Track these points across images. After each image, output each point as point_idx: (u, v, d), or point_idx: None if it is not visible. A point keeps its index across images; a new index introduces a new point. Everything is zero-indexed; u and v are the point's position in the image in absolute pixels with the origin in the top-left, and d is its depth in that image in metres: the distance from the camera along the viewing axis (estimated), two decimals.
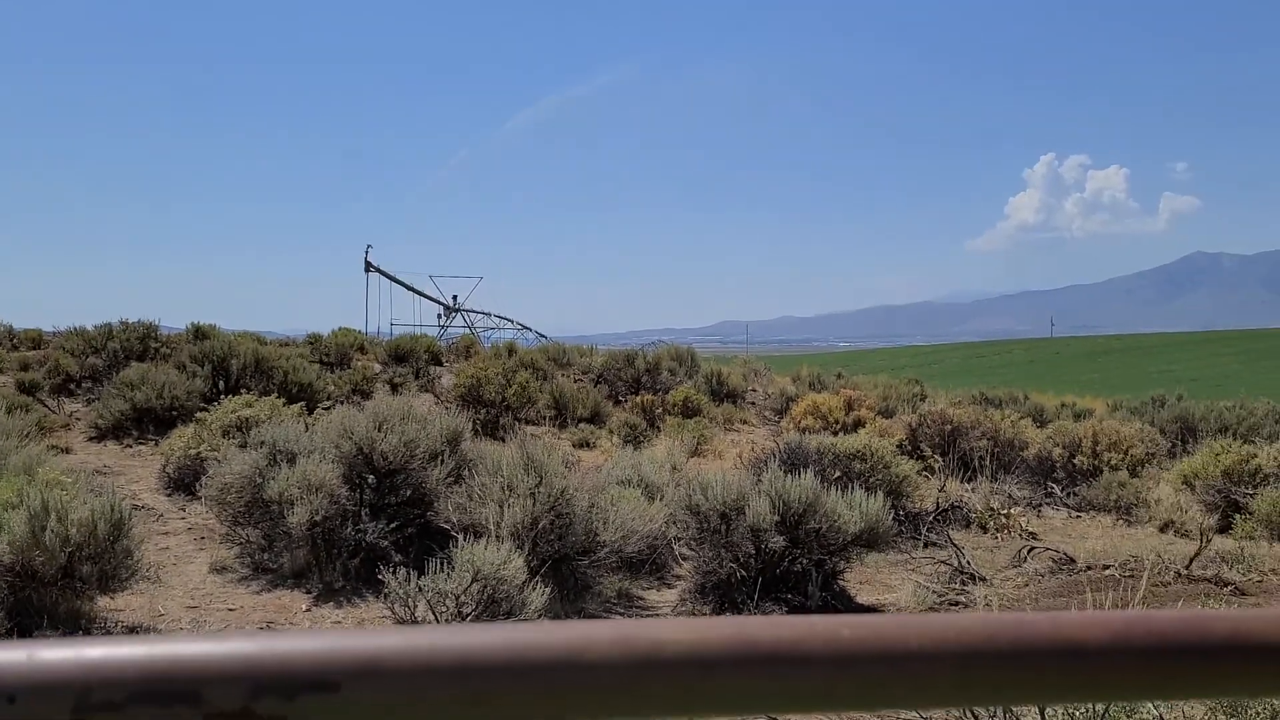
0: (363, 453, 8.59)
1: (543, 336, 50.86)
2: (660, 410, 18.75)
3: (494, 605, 7.04)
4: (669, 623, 0.74)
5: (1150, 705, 3.95)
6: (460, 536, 7.46)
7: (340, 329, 24.05)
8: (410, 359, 21.90)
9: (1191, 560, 10.23)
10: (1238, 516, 12.52)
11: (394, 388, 18.51)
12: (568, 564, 8.25)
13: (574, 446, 15.78)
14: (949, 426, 16.70)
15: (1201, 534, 11.70)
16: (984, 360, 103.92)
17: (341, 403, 13.83)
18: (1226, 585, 9.76)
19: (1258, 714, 4.12)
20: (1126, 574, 10.00)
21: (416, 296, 58.01)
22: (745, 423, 21.06)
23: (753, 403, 23.68)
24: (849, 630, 0.73)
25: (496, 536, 7.61)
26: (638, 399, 19.59)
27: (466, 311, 58.83)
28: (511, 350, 24.68)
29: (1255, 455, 13.98)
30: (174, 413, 14.17)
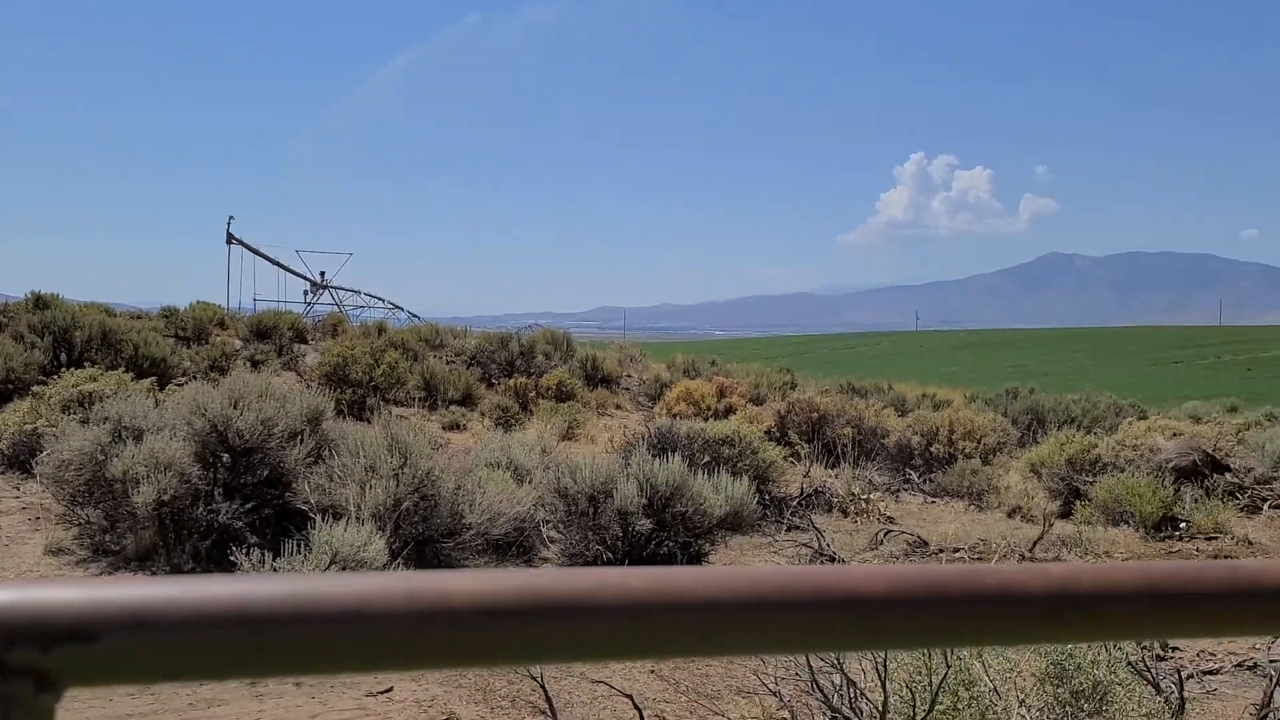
0: (217, 430, 8.26)
1: (415, 316, 49.92)
2: (534, 394, 18.68)
3: None
4: (459, 574, 0.73)
5: (981, 668, 4.15)
6: (319, 518, 7.27)
7: (198, 303, 23.07)
8: (273, 336, 21.18)
9: (1035, 544, 10.82)
10: (1078, 503, 13.27)
11: (255, 365, 17.85)
12: (432, 546, 8.14)
13: (443, 429, 15.56)
14: (816, 414, 17.18)
15: (1044, 519, 12.38)
16: (853, 351, 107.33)
17: (197, 379, 13.25)
18: None
19: (1080, 685, 4.38)
20: (975, 556, 10.51)
21: (282, 272, 56.07)
22: (619, 408, 21.17)
23: (627, 388, 23.82)
24: (639, 581, 0.73)
25: (357, 518, 7.44)
26: (511, 382, 19.47)
27: (335, 289, 57.24)
28: (381, 330, 24.13)
29: (1096, 445, 14.84)
30: (10, 386, 13.34)
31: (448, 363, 21.09)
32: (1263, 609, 0.83)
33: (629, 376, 24.77)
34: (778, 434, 16.00)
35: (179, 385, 12.96)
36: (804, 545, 10.81)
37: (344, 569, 6.78)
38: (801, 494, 12.96)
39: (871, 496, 13.36)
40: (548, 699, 3.91)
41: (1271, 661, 5.74)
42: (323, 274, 57.66)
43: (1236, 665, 7.13)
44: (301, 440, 8.62)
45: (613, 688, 4.18)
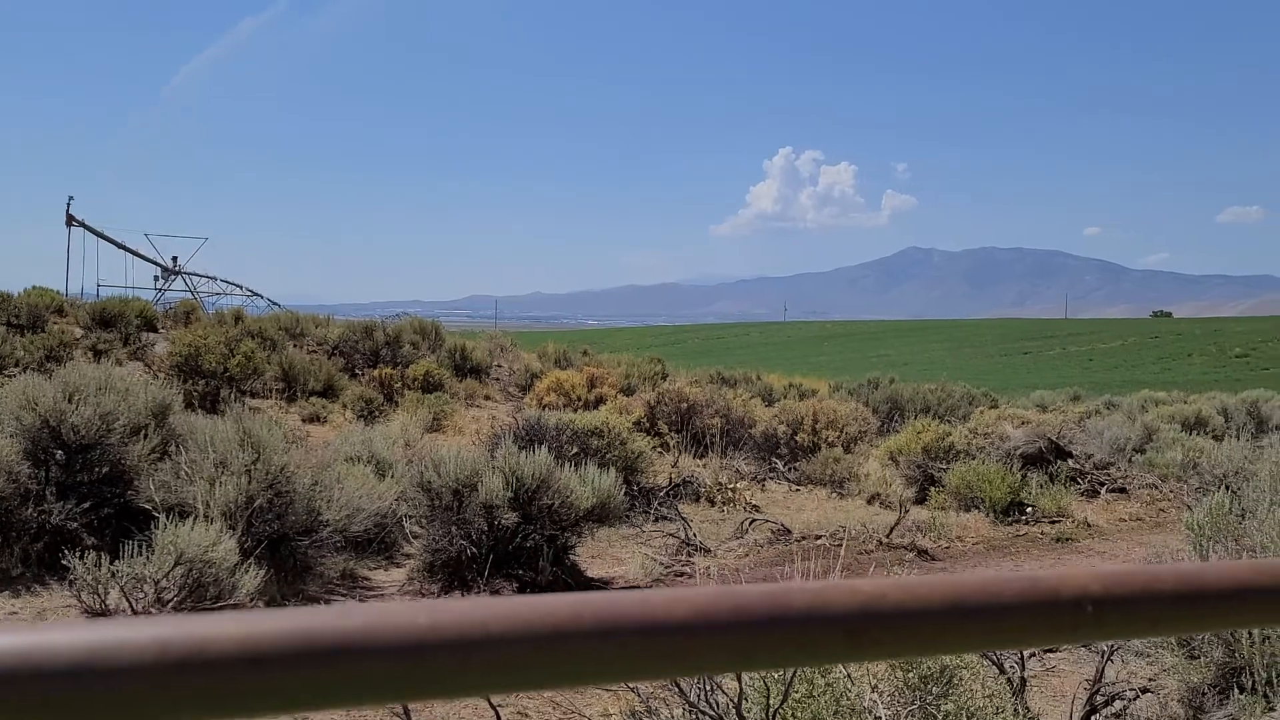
0: (49, 426, 7.74)
1: (275, 304, 48.15)
2: (399, 385, 18.26)
3: (200, 590, 6.57)
4: (218, 618, 0.66)
5: (842, 667, 4.24)
6: (164, 517, 6.89)
7: (34, 288, 21.65)
8: (119, 324, 20.04)
9: (891, 529, 11.21)
10: (933, 489, 13.82)
11: (97, 355, 16.84)
12: (287, 544, 7.83)
13: (303, 421, 15.05)
14: (685, 404, 17.35)
15: (900, 505, 12.84)
16: (723, 341, 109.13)
17: (30, 370, 12.40)
18: (920, 551, 10.78)
19: (929, 669, 4.53)
20: (835, 543, 10.80)
21: (130, 256, 53.18)
22: (489, 398, 20.92)
23: (498, 379, 23.56)
24: (425, 618, 0.68)
25: (206, 516, 7.10)
26: (376, 372, 18.98)
27: (188, 274, 54.67)
28: (238, 318, 23.15)
29: (950, 434, 15.47)
30: None
31: (309, 353, 20.40)
32: (1061, 619, 0.83)
33: (499, 367, 24.50)
34: (647, 424, 16.10)
35: (9, 377, 12.10)
36: (671, 535, 10.91)
37: (190, 570, 6.46)
38: (670, 484, 13.07)
39: (738, 485, 13.59)
40: (405, 711, 3.80)
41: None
42: (175, 259, 54.98)
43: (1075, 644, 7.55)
44: (146, 435, 8.17)
45: None
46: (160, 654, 0.63)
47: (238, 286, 56.62)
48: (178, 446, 8.05)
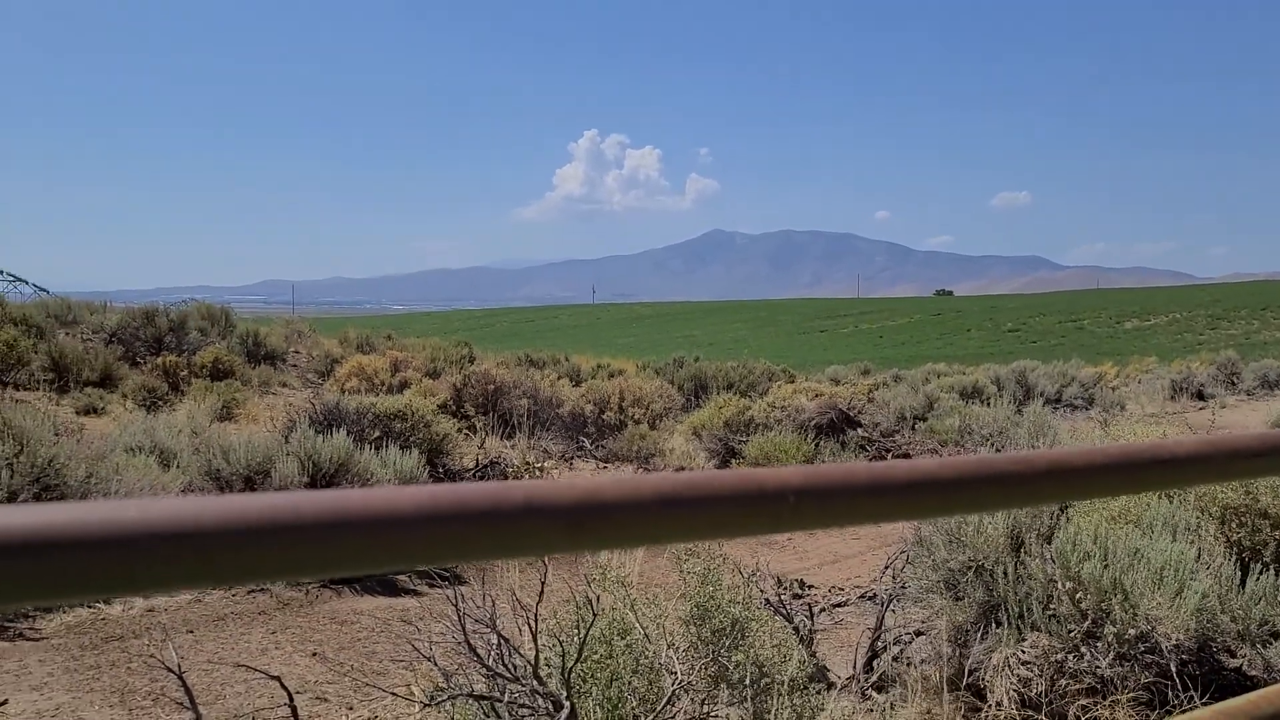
0: None
1: (42, 290, 44.30)
2: (186, 373, 17.23)
3: None
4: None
5: (634, 617, 4.38)
6: None
7: None
8: None
9: None
10: (734, 461, 14.36)
11: None
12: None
13: (78, 413, 13.97)
14: (492, 386, 17.24)
15: None
16: (533, 324, 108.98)
17: None
18: None
19: (720, 623, 4.74)
20: None
21: None
22: (286, 385, 20.08)
23: (295, 365, 22.64)
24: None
25: None
26: (160, 360, 17.83)
27: None
28: None
29: (750, 408, 16.10)
30: None
31: (84, 341, 18.93)
32: (767, 508, 0.92)
33: (297, 353, 23.54)
34: (454, 407, 15.92)
35: None
36: None
37: None
38: (477, 465, 12.98)
39: (546, 465, 13.66)
40: (188, 692, 3.63)
41: (885, 590, 6.50)
42: None
43: (860, 597, 8.06)
44: None
45: (260, 671, 3.97)
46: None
47: None
48: None
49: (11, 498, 6.79)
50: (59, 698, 5.23)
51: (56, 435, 7.97)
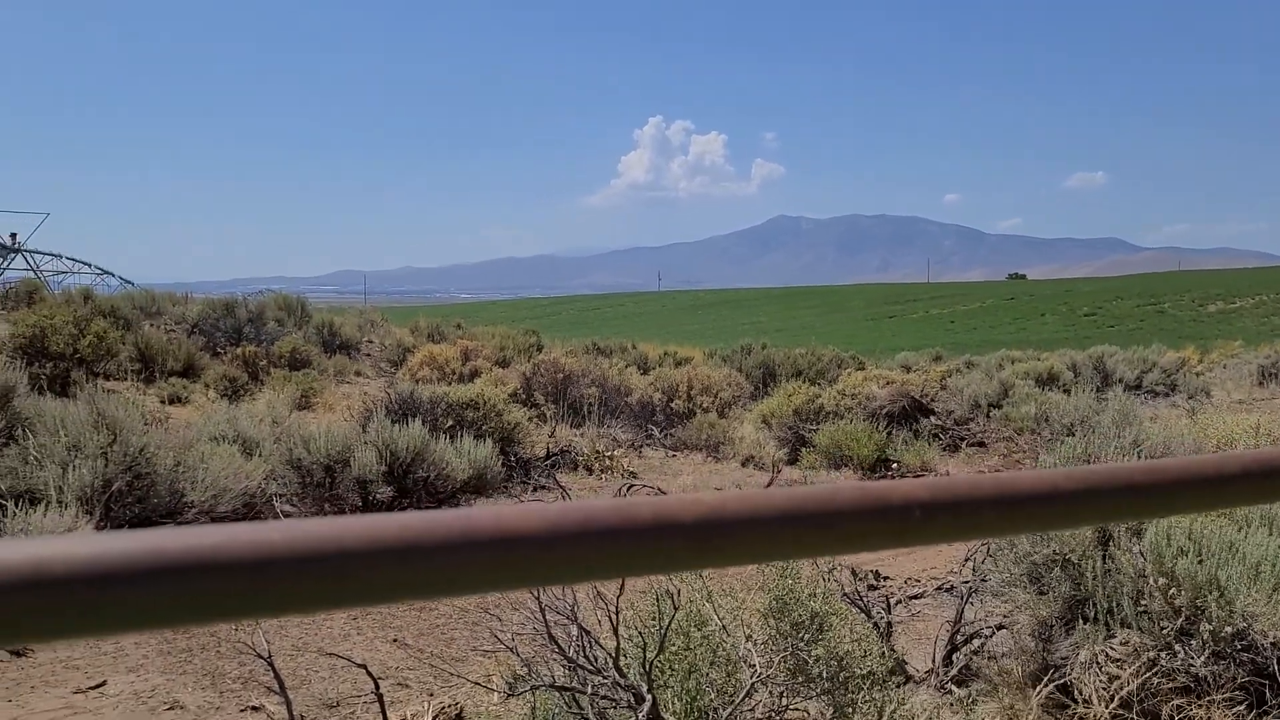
0: None
1: (128, 283, 45.82)
2: (265, 363, 17.67)
3: None
4: (63, 539, 0.66)
5: (712, 609, 4.37)
6: (12, 504, 6.54)
7: None
8: None
9: (765, 489, 11.54)
10: (804, 449, 14.25)
11: None
12: (150, 528, 7.54)
13: (163, 402, 14.42)
14: (561, 375, 17.35)
15: (774, 466, 13.21)
16: (599, 312, 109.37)
17: None
18: None
19: (800, 616, 4.70)
20: None
21: None
22: (360, 374, 20.47)
23: (368, 354, 23.05)
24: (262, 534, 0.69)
25: (59, 502, 6.76)
26: (239, 351, 18.30)
27: (29, 252, 51.38)
28: (87, 297, 21.91)
29: (820, 396, 15.95)
30: None
31: (167, 332, 19.52)
32: (891, 523, 0.90)
33: (370, 342, 23.97)
34: (524, 396, 16.06)
35: None
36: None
37: None
38: (548, 454, 13.08)
39: (615, 453, 13.71)
40: (277, 677, 3.73)
41: (964, 582, 6.40)
42: (14, 236, 51.58)
43: (937, 589, 7.94)
44: None
45: (346, 659, 4.06)
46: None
47: (86, 265, 53.59)
48: (25, 431, 7.62)
49: (106, 485, 7.03)
50: (154, 680, 5.41)
51: (145, 425, 8.24)
